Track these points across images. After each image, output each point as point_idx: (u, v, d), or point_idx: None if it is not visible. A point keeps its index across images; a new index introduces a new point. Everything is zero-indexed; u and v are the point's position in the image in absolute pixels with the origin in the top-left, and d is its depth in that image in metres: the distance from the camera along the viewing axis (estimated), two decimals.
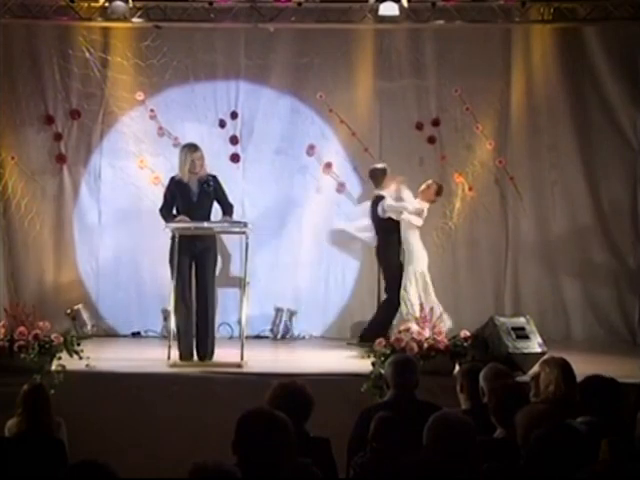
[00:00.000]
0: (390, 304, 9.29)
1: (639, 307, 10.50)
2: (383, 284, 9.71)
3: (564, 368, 5.32)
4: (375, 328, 9.00)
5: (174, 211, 8.35)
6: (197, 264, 8.22)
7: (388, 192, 9.45)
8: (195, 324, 8.20)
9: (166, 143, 10.52)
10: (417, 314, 8.35)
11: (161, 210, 8.37)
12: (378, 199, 9.44)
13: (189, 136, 10.10)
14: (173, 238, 8.06)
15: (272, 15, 9.90)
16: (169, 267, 8.15)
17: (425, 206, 9.46)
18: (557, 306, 10.53)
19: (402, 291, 9.20)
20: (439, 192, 9.64)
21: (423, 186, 9.58)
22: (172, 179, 8.41)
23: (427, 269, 9.40)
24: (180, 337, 8.11)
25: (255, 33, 10.30)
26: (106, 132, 10.56)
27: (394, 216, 9.39)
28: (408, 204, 9.41)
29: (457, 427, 3.80)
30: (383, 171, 9.57)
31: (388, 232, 9.41)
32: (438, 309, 8.74)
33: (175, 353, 7.98)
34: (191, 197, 8.26)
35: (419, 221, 9.41)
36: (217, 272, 8.57)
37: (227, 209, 8.35)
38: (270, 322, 10.37)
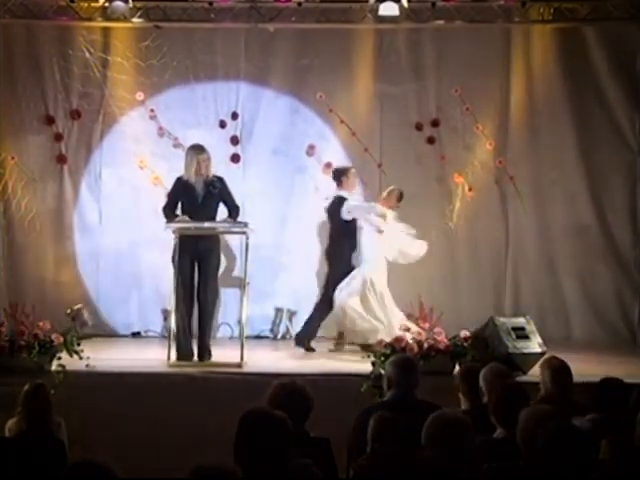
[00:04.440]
0: (326, 305, 9.22)
1: (639, 307, 10.51)
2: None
3: (554, 369, 5.37)
4: (307, 328, 9.19)
5: (179, 211, 8.36)
6: (200, 264, 8.23)
7: (349, 194, 9.38)
8: (197, 324, 8.21)
9: (166, 143, 10.53)
10: (353, 320, 8.82)
11: (164, 209, 8.39)
12: (341, 200, 9.33)
13: (189, 136, 10.11)
14: (179, 238, 8.08)
15: (272, 15, 9.91)
16: (172, 267, 8.15)
17: (388, 212, 9.36)
18: (557, 306, 10.53)
19: (337, 292, 9.11)
20: (400, 198, 9.53)
21: (384, 193, 9.55)
22: (178, 179, 8.42)
23: (382, 279, 9.26)
24: (178, 337, 8.12)
25: (255, 33, 10.31)
26: (106, 132, 10.56)
27: (359, 217, 9.30)
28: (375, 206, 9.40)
29: (454, 426, 3.80)
30: (346, 171, 9.50)
31: (346, 235, 9.29)
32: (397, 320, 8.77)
33: (174, 353, 7.99)
34: (196, 198, 8.28)
35: (383, 225, 9.32)
36: (220, 273, 8.57)
37: (233, 211, 8.36)
38: (270, 322, 10.38)
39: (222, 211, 8.54)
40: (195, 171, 8.25)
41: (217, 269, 8.35)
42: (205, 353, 8.15)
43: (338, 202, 9.32)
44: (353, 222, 9.27)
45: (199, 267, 8.23)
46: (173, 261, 8.11)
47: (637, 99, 10.47)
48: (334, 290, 9.15)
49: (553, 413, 4.09)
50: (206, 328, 8.23)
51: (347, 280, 9.15)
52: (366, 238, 9.28)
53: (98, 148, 10.57)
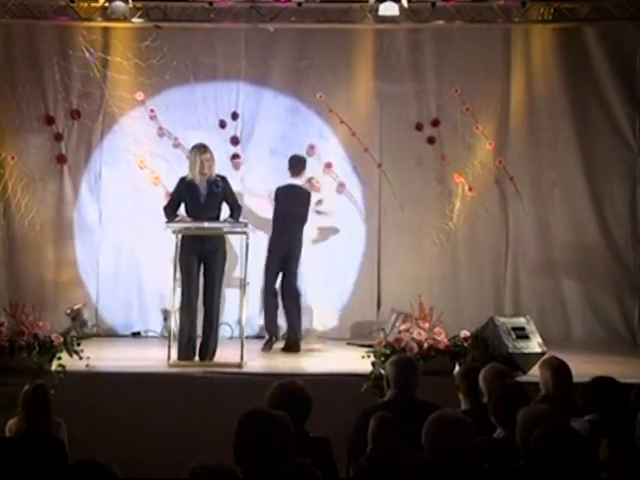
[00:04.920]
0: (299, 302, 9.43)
1: (639, 307, 10.50)
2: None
3: (556, 369, 5.37)
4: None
5: (181, 211, 8.36)
6: (205, 265, 8.22)
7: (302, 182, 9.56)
8: (202, 325, 8.21)
9: (166, 143, 10.53)
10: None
11: (165, 208, 8.38)
12: (307, 193, 9.49)
13: (189, 137, 10.12)
14: (184, 238, 8.07)
15: (272, 15, 9.91)
16: (173, 266, 8.14)
17: None
18: (557, 306, 10.53)
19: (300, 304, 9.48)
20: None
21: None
22: (182, 179, 8.41)
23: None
24: (181, 337, 8.11)
25: (255, 33, 10.31)
26: (106, 132, 10.56)
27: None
28: None
29: (454, 427, 3.80)
30: (305, 162, 9.66)
31: (301, 228, 9.42)
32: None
33: (175, 353, 7.99)
34: (199, 198, 8.27)
35: None
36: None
37: (234, 211, 8.36)
38: None
39: (227, 211, 8.54)
40: (199, 171, 8.26)
41: (223, 270, 8.34)
42: (207, 354, 8.14)
43: (307, 195, 9.44)
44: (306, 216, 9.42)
45: (205, 267, 8.23)
46: (175, 261, 8.11)
47: (637, 99, 10.47)
48: (295, 283, 9.33)
49: (550, 413, 4.10)
50: (212, 328, 8.22)
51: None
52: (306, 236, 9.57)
53: (98, 148, 10.57)
